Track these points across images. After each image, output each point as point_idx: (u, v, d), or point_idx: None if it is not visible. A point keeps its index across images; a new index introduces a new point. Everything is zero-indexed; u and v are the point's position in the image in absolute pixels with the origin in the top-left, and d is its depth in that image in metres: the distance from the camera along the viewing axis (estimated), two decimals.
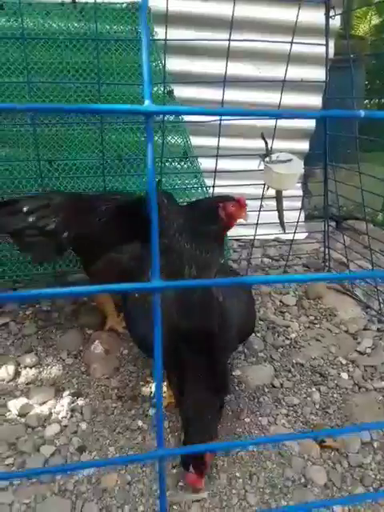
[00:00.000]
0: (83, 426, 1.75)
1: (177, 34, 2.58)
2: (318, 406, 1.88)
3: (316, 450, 1.67)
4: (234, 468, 1.60)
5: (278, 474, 1.59)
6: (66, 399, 1.87)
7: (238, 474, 1.58)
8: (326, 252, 2.87)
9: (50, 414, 1.80)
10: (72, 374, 2.03)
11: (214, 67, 2.61)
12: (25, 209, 1.97)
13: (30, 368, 2.05)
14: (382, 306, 2.48)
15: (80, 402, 1.86)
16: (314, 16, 2.59)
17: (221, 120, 2.41)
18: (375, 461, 1.65)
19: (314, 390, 1.96)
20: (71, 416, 1.79)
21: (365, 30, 7.71)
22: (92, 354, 2.11)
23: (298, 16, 2.21)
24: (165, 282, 0.47)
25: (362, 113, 0.49)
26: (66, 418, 1.78)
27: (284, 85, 2.54)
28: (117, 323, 2.29)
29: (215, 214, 1.95)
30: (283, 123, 2.71)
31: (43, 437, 1.69)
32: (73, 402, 1.86)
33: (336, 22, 2.45)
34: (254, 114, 0.51)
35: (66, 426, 1.74)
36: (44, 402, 1.85)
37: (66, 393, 1.91)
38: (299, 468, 1.60)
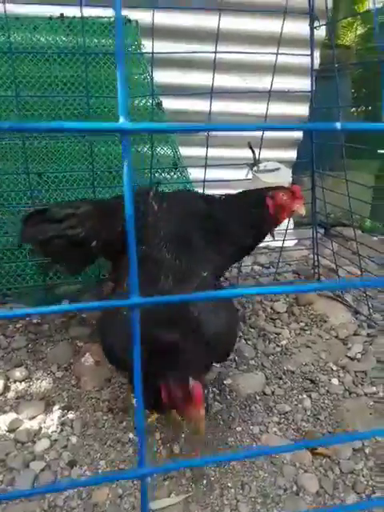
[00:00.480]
0: (73, 439, 1.74)
1: (164, 46, 2.61)
2: (309, 413, 1.88)
3: (308, 457, 1.67)
4: (225, 478, 1.60)
5: (269, 482, 1.58)
6: (56, 413, 1.86)
7: (229, 484, 1.58)
8: (315, 259, 2.89)
9: (40, 428, 1.79)
10: (62, 387, 2.02)
11: (202, 79, 2.64)
12: (55, 218, 1.92)
13: (20, 382, 2.03)
14: (371, 311, 2.51)
15: (70, 415, 1.85)
16: (299, 27, 2.64)
17: (208, 130, 2.42)
18: (367, 467, 1.65)
19: (305, 396, 1.97)
20: (61, 430, 1.78)
21: (351, 39, 7.86)
22: (82, 366, 2.10)
23: (282, 27, 2.25)
24: (143, 299, 0.48)
25: (338, 125, 0.51)
26: (56, 432, 1.77)
27: (271, 95, 2.58)
28: None
29: (262, 204, 1.87)
30: (271, 133, 2.74)
31: (33, 452, 1.68)
32: (63, 416, 1.85)
33: (321, 32, 2.50)
34: (235, 128, 0.52)
35: (56, 441, 1.73)
36: (34, 417, 1.84)
37: (56, 407, 1.90)
38: (291, 476, 1.60)
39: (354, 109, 7.26)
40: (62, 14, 2.47)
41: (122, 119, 0.46)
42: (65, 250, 1.92)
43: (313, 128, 0.52)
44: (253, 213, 1.94)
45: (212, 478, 1.59)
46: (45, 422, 1.82)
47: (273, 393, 2.00)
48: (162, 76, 2.74)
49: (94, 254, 2.01)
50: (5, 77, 2.43)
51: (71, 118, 2.52)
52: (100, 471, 1.61)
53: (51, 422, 1.82)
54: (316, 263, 2.90)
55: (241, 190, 2.07)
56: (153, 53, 2.15)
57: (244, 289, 0.55)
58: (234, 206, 2.00)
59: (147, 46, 2.39)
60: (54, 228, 1.90)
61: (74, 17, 2.49)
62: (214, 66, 2.25)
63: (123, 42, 2.66)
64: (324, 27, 2.50)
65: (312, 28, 2.41)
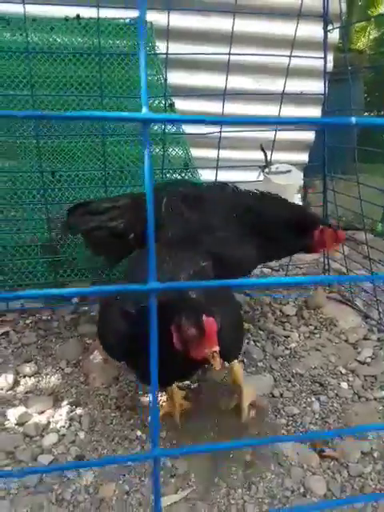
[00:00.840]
0: (81, 435, 1.75)
1: (178, 48, 2.63)
2: (317, 416, 1.87)
3: (315, 459, 1.66)
4: (233, 477, 1.59)
5: (277, 484, 1.58)
6: (64, 408, 1.87)
7: (237, 484, 1.57)
8: (326, 262, 2.88)
9: (49, 423, 1.80)
10: (71, 383, 2.03)
11: (215, 81, 2.66)
12: (98, 210, 2.05)
13: (29, 377, 2.05)
14: (381, 315, 2.49)
15: (78, 411, 1.86)
16: (312, 30, 2.64)
17: (221, 132, 2.44)
18: (375, 470, 1.64)
19: (313, 399, 1.96)
20: (69, 425, 1.79)
21: (364, 43, 7.85)
22: (91, 363, 2.11)
23: (296, 30, 2.26)
24: (162, 284, 0.49)
25: (354, 119, 0.51)
26: (64, 427, 1.78)
27: (284, 98, 2.58)
28: None
29: (310, 230, 2.05)
30: (283, 135, 2.74)
31: (41, 446, 1.69)
32: (71, 412, 1.86)
33: (334, 35, 2.50)
34: (251, 121, 0.53)
35: (64, 436, 1.74)
36: (42, 412, 1.85)
37: (65, 402, 1.91)
38: (298, 478, 1.59)
39: (366, 113, 7.24)
40: (78, 15, 2.50)
41: (144, 109, 0.47)
42: (105, 241, 2.04)
43: (328, 122, 0.53)
44: (297, 234, 2.07)
45: (218, 477, 1.59)
46: (53, 417, 1.83)
47: (281, 395, 1.99)
48: (175, 77, 2.76)
49: (132, 246, 2.08)
50: (21, 76, 2.46)
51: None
52: (105, 468, 1.61)
53: (59, 417, 1.83)
54: (327, 267, 2.89)
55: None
56: (167, 54, 2.17)
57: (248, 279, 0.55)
58: (275, 210, 2.08)
59: (161, 47, 2.41)
60: (96, 219, 2.02)
61: (90, 18, 2.52)
62: (228, 68, 2.26)
63: (140, 42, 2.69)
64: (337, 31, 2.50)
65: (326, 31, 2.41)
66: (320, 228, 2.05)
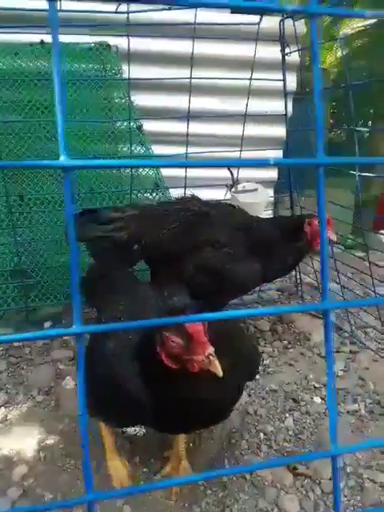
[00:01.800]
0: (52, 466, 1.70)
1: (144, 71, 2.68)
2: (291, 433, 1.87)
3: (289, 478, 1.65)
4: (205, 500, 1.57)
5: (251, 505, 1.56)
6: (35, 438, 1.83)
7: (211, 509, 1.56)
8: (298, 276, 2.92)
9: (18, 454, 1.76)
10: (42, 411, 1.99)
11: (182, 102, 2.69)
12: (104, 219, 2.07)
13: (0, 407, 2.00)
14: (353, 328, 2.53)
15: (49, 441, 1.82)
16: (275, 52, 2.72)
17: (187, 153, 2.48)
18: (348, 486, 1.64)
19: (287, 416, 1.96)
20: (40, 456, 1.75)
21: (330, 62, 8.10)
22: (63, 389, 2.08)
23: (255, 53, 2.34)
24: (85, 327, 0.49)
25: (271, 161, 0.53)
26: (34, 457, 1.74)
27: (251, 117, 2.64)
28: None
29: (300, 230, 2.11)
30: (250, 154, 2.80)
31: (10, 479, 1.64)
32: (42, 442, 1.82)
33: (295, 56, 2.58)
34: (167, 165, 0.54)
35: (33, 467, 1.69)
36: (12, 443, 1.80)
37: (36, 432, 1.87)
38: (272, 498, 1.58)
39: (333, 132, 7.44)
40: (42, 41, 2.52)
41: (62, 157, 0.47)
42: (109, 249, 2.05)
43: (247, 164, 0.55)
44: (292, 235, 2.15)
45: (191, 501, 1.57)
46: (23, 448, 1.79)
47: (255, 412, 1.99)
48: (143, 99, 2.79)
49: (135, 257, 2.13)
50: None
51: (51, 139, 2.55)
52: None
53: (30, 447, 1.79)
54: (299, 281, 2.93)
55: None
56: (129, 79, 2.21)
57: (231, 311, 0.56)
58: (273, 225, 2.19)
59: (132, 71, 2.43)
60: (101, 229, 2.04)
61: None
62: (190, 90, 2.31)
63: (106, 67, 2.73)
64: (298, 53, 2.58)
65: (283, 54, 2.49)
66: (307, 221, 2.12)
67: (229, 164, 0.48)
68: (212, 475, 0.53)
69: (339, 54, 6.85)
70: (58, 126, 0.47)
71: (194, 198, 2.25)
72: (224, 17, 2.74)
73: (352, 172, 2.06)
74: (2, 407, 2.01)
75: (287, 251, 2.14)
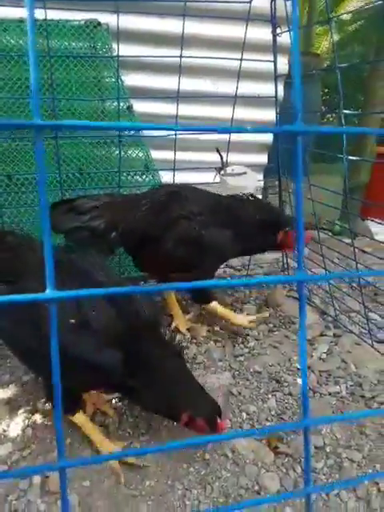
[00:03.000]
0: (38, 444, 1.72)
1: (134, 50, 2.63)
2: (273, 413, 1.91)
3: (270, 456, 1.69)
4: (188, 478, 1.60)
5: (232, 482, 1.60)
6: (20, 417, 1.84)
7: (193, 485, 1.59)
8: (285, 261, 2.94)
9: (4, 432, 1.77)
10: (29, 391, 2.00)
11: (173, 83, 2.66)
12: (80, 209, 2.08)
13: None
14: (337, 312, 2.56)
15: (35, 419, 1.83)
16: (266, 33, 2.69)
17: (176, 134, 2.46)
18: (327, 465, 1.68)
19: (270, 396, 1.99)
20: (25, 434, 1.76)
21: (325, 46, 8.04)
22: None
23: (246, 34, 2.31)
24: (60, 292, 0.49)
25: (249, 128, 0.53)
26: (19, 436, 1.75)
27: (242, 100, 2.62)
28: (182, 324, 2.39)
29: (274, 234, 2.19)
30: (240, 137, 2.79)
31: None
32: (28, 420, 1.83)
33: (286, 39, 2.55)
34: (152, 128, 0.54)
35: (19, 445, 1.71)
36: None
37: (21, 411, 1.88)
38: (253, 475, 1.62)
39: (328, 115, 7.42)
40: None
41: (35, 118, 0.47)
42: (87, 240, 2.06)
43: (225, 130, 0.55)
44: (264, 234, 2.21)
45: (173, 478, 1.60)
46: (9, 427, 1.80)
47: (239, 393, 2.02)
48: (133, 79, 2.76)
49: (114, 245, 2.16)
50: None
51: (40, 117, 2.50)
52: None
53: (15, 426, 1.80)
54: (285, 266, 2.95)
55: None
56: (118, 56, 2.17)
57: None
58: (251, 211, 2.21)
59: (122, 49, 2.39)
60: (78, 219, 2.05)
61: (45, 19, 2.48)
62: (180, 70, 2.28)
63: (96, 45, 2.68)
64: (289, 35, 2.55)
65: (274, 35, 2.46)
66: (281, 233, 2.21)
67: (214, 129, 0.48)
68: (192, 442, 0.53)
69: (334, 38, 6.81)
70: (32, 85, 0.47)
71: (166, 184, 2.29)
72: None
73: (340, 155, 2.06)
74: None
75: (261, 238, 2.22)
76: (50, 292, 0.49)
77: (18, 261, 1.68)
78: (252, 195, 2.23)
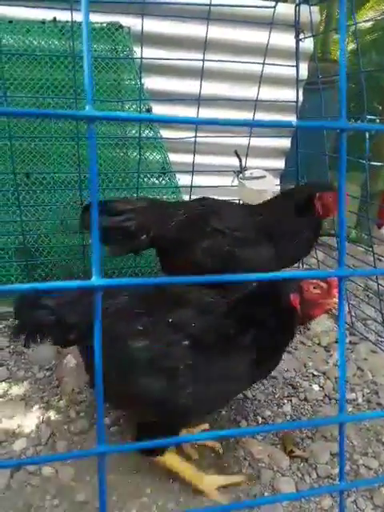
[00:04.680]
0: (51, 439, 1.72)
1: (156, 53, 2.65)
2: (288, 418, 1.89)
3: (286, 461, 1.67)
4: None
5: (246, 486, 1.58)
6: (35, 413, 1.85)
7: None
8: (301, 267, 2.92)
9: (19, 428, 1.78)
10: (43, 388, 2.01)
11: (193, 87, 2.67)
12: (115, 210, 2.10)
13: (1, 382, 2.02)
14: (353, 319, 2.53)
15: (49, 415, 1.84)
16: (288, 39, 2.70)
17: (196, 137, 2.47)
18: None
19: (285, 401, 1.98)
20: (39, 430, 1.77)
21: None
22: (64, 368, 2.09)
23: (269, 39, 2.31)
24: (104, 280, 0.49)
25: (293, 122, 0.53)
26: (34, 431, 1.76)
27: (262, 105, 2.63)
28: None
29: (310, 204, 1.92)
30: (258, 141, 2.78)
31: (10, 451, 1.67)
32: (42, 416, 1.84)
33: (308, 45, 2.56)
34: (191, 121, 0.54)
35: (34, 440, 1.71)
36: (12, 417, 1.82)
37: (36, 407, 1.89)
38: (268, 480, 1.60)
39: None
40: (54, 18, 2.50)
41: (87, 107, 0.48)
42: (117, 239, 2.10)
43: (264, 125, 0.55)
44: (303, 208, 1.98)
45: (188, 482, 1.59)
46: (23, 422, 1.81)
47: (254, 397, 2.01)
48: (153, 82, 2.77)
49: (142, 246, 2.19)
50: None
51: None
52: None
53: (30, 421, 1.81)
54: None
55: None
56: (142, 58, 2.19)
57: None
58: (283, 200, 2.10)
59: (139, 52, 2.41)
60: (111, 220, 2.07)
61: (67, 21, 2.52)
62: (202, 74, 2.30)
63: (117, 47, 2.70)
64: (312, 41, 2.55)
65: (297, 40, 2.47)
66: (317, 196, 1.94)
67: (244, 123, 0.48)
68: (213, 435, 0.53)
69: (351, 46, 6.78)
70: (86, 77, 0.47)
71: (204, 198, 2.27)
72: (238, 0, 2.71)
73: (361, 161, 2.05)
74: (4, 382, 2.03)
75: (301, 225, 1.99)
76: (95, 279, 0.49)
77: None
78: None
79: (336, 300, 1.37)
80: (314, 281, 1.35)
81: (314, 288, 1.35)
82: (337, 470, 1.66)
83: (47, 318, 1.54)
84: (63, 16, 2.46)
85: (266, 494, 1.57)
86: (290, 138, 3.01)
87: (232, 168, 2.54)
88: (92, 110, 0.47)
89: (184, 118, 0.53)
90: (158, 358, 1.39)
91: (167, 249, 2.16)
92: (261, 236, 2.03)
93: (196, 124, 2.48)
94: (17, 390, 2.00)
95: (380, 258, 2.69)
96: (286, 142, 3.06)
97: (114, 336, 1.39)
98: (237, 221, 2.09)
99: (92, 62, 2.58)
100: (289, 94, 2.84)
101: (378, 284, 2.34)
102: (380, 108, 5.78)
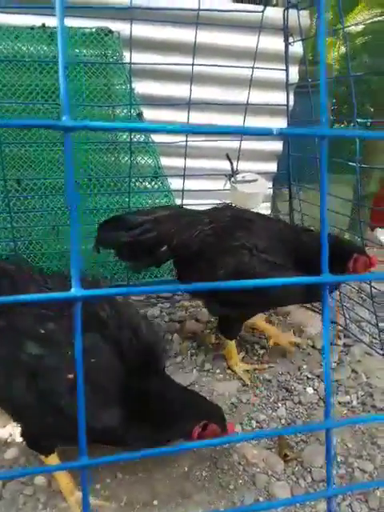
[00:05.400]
0: None
1: (146, 58, 2.65)
2: (283, 421, 1.88)
3: (280, 465, 1.67)
4: (201, 491, 1.58)
5: (241, 491, 1.57)
6: None
7: (204, 492, 1.56)
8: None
9: (11, 436, 1.76)
10: None
11: (184, 91, 2.67)
12: (131, 224, 2.01)
13: None
14: (347, 321, 2.53)
15: None
16: (277, 43, 2.70)
17: (187, 141, 2.47)
18: (339, 475, 1.66)
19: (280, 405, 1.97)
20: None
21: (333, 57, 8.07)
22: None
23: (258, 43, 2.32)
24: (84, 291, 0.49)
25: (274, 130, 0.53)
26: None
27: (250, 108, 2.63)
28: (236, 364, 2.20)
29: (345, 262, 1.92)
30: (250, 145, 2.79)
31: (2, 460, 1.65)
32: None
33: (298, 48, 2.56)
34: (177, 130, 0.53)
35: (25, 449, 1.69)
36: (4, 426, 1.80)
37: None
38: (263, 484, 1.60)
39: (336, 125, 7.44)
40: (43, 24, 2.49)
41: (64, 117, 0.47)
42: (137, 253, 2.03)
43: (249, 132, 0.54)
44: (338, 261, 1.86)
45: (186, 492, 1.58)
46: (15, 431, 1.79)
47: (248, 401, 2.00)
48: (144, 87, 2.77)
49: (163, 258, 2.10)
50: None
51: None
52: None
53: None
54: None
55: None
56: (130, 63, 2.19)
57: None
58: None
59: (133, 57, 2.40)
60: (127, 235, 1.99)
61: (56, 27, 2.51)
62: (191, 78, 2.30)
63: (107, 52, 2.70)
64: (301, 45, 2.56)
65: (286, 44, 2.48)
66: (354, 257, 1.94)
67: (231, 131, 0.47)
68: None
69: (342, 50, 6.83)
70: (61, 88, 0.47)
71: (229, 206, 2.19)
72: (228, 4, 2.72)
73: (351, 164, 2.05)
74: None
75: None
76: (75, 290, 0.48)
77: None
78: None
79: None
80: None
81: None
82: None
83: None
84: (52, 22, 2.46)
85: (260, 499, 1.56)
86: (281, 141, 3.02)
87: (224, 171, 2.54)
88: (68, 119, 0.46)
89: (155, 126, 0.52)
90: None
91: (188, 259, 2.03)
92: (290, 265, 1.93)
93: (168, 132, 2.46)
94: None
95: None
96: (278, 145, 3.06)
97: None
98: (266, 241, 1.96)
99: (81, 67, 2.58)
100: (280, 98, 2.85)
101: (371, 286, 2.34)
102: (372, 110, 5.82)
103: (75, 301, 0.49)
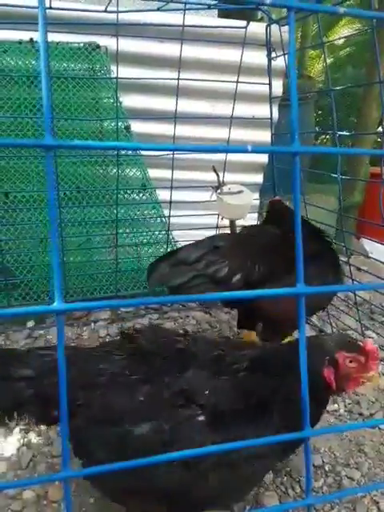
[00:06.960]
0: (32, 462, 1.69)
1: (134, 72, 2.69)
2: None
3: (269, 475, 1.67)
4: None
5: None
6: (15, 436, 1.82)
7: None
8: None
9: None
10: None
11: (171, 104, 2.71)
12: (191, 258, 1.82)
13: None
14: (334, 330, 2.56)
15: (30, 438, 1.81)
16: (262, 57, 2.77)
17: (173, 153, 2.50)
18: (327, 484, 1.66)
19: None
20: (20, 453, 1.73)
21: (318, 70, 8.26)
22: None
23: (241, 58, 2.37)
24: (66, 305, 0.50)
25: (249, 148, 0.55)
26: (14, 455, 1.72)
27: (235, 121, 2.68)
28: None
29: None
30: (236, 157, 2.83)
31: None
32: (23, 439, 1.80)
33: (281, 62, 2.63)
34: (156, 148, 0.56)
35: (14, 464, 1.68)
36: None
37: (16, 430, 1.85)
38: (251, 494, 1.60)
39: (322, 136, 7.58)
40: (31, 39, 2.52)
41: (46, 137, 0.49)
42: (205, 288, 1.79)
43: (227, 150, 0.57)
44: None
45: None
46: (4, 446, 1.77)
47: None
48: (131, 100, 2.81)
49: (234, 290, 1.81)
50: None
51: (40, 138, 2.55)
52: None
53: (11, 445, 1.77)
54: None
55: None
56: (117, 78, 2.22)
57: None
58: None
59: (120, 72, 2.44)
60: (192, 269, 1.80)
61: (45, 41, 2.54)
62: (177, 92, 2.34)
63: (95, 67, 2.74)
64: (284, 59, 2.62)
65: (269, 58, 2.54)
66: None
67: (211, 149, 0.49)
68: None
69: (329, 61, 7.01)
70: (44, 105, 0.49)
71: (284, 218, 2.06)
72: (212, 20, 2.78)
73: (334, 175, 2.10)
74: None
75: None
76: (57, 303, 0.50)
77: None
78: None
79: (374, 373, 1.18)
80: (350, 354, 1.16)
81: (351, 362, 1.17)
82: (320, 483, 1.66)
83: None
84: (39, 37, 2.49)
85: (247, 507, 1.56)
86: (267, 154, 3.07)
87: (211, 183, 2.57)
88: (50, 138, 0.48)
89: (133, 145, 0.55)
90: (168, 442, 1.12)
91: (253, 287, 1.82)
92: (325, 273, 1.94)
93: (173, 151, 2.52)
94: None
95: (359, 268, 2.73)
96: (263, 157, 3.11)
97: (108, 416, 1.17)
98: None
99: (70, 81, 2.61)
100: (264, 111, 2.90)
101: (355, 295, 2.38)
102: (356, 121, 5.93)
103: (57, 314, 0.51)
